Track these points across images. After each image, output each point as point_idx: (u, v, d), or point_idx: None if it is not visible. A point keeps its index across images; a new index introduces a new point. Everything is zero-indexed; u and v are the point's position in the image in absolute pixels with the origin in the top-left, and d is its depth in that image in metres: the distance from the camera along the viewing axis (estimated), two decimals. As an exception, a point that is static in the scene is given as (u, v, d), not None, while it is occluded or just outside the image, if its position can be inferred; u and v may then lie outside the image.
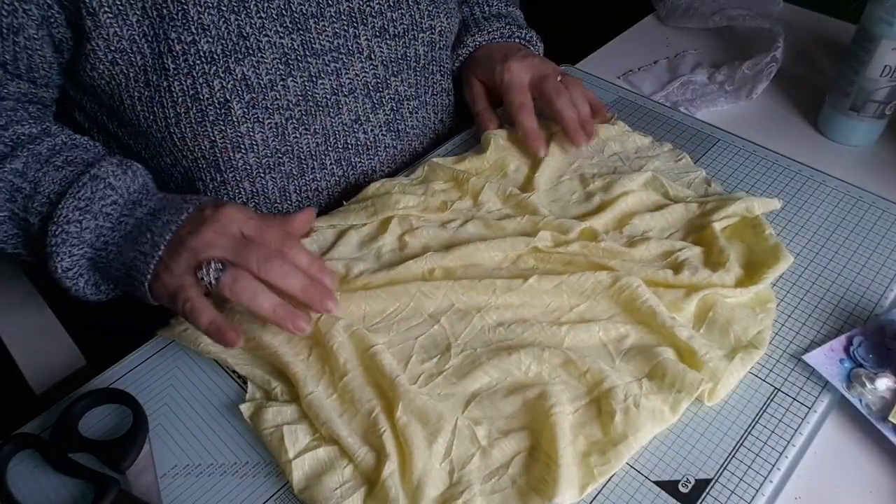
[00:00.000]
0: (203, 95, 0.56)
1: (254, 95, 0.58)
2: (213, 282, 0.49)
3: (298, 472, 0.45)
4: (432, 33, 0.67)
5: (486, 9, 0.77)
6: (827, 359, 0.51)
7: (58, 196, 0.51)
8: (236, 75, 0.57)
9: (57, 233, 0.50)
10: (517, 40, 0.76)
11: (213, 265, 0.49)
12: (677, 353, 0.50)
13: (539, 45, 0.78)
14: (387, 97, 0.67)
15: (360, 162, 0.67)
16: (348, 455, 0.45)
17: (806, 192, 0.65)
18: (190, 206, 0.52)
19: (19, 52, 0.54)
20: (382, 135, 0.68)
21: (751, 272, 0.56)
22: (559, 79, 0.69)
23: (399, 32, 0.65)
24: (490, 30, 0.75)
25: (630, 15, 0.97)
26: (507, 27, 0.75)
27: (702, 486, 0.45)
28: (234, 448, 0.48)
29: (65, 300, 0.65)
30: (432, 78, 0.70)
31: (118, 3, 0.53)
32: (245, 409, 0.49)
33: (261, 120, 0.59)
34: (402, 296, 0.55)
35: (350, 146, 0.66)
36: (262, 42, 0.57)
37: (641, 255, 0.57)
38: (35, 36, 0.53)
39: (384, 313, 0.54)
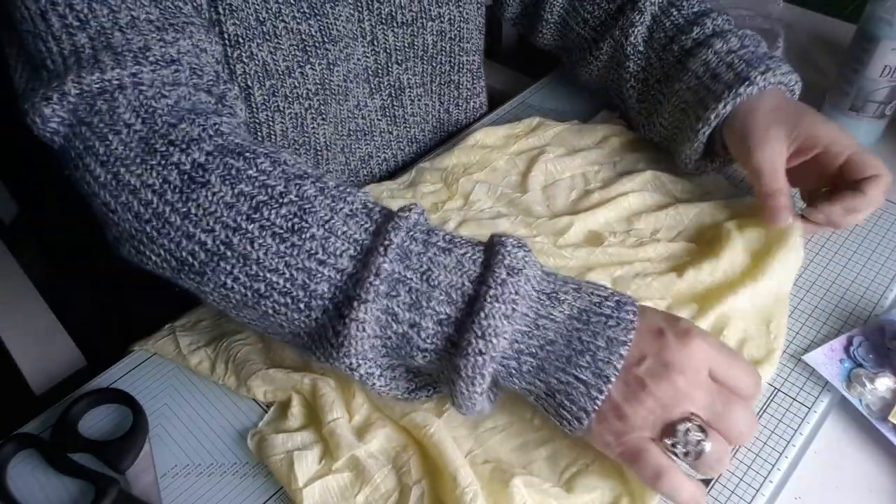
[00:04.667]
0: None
1: (273, 82, 0.56)
2: (695, 454, 0.39)
3: (309, 500, 0.44)
4: (441, 22, 0.65)
5: (758, 42, 0.61)
6: (827, 359, 0.51)
7: (466, 295, 0.40)
8: (258, 60, 0.54)
9: (482, 350, 0.38)
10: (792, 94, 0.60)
11: (692, 430, 0.39)
12: None
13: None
14: (385, 83, 0.65)
15: (358, 147, 0.67)
16: (363, 479, 0.45)
17: (806, 192, 0.65)
18: (631, 317, 0.41)
19: None
20: (378, 119, 0.67)
21: (758, 257, 0.55)
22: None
23: (407, 20, 0.63)
24: (784, 70, 0.58)
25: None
26: (793, 73, 0.59)
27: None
28: (234, 448, 0.48)
29: (65, 300, 0.66)
30: (440, 68, 0.68)
31: None
32: (251, 441, 0.48)
33: (280, 109, 0.58)
34: None
35: (351, 132, 0.66)
36: (278, 27, 0.55)
37: (649, 255, 0.57)
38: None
39: None
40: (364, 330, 0.39)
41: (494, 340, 0.38)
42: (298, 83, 0.57)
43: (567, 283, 0.42)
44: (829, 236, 0.61)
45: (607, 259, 0.57)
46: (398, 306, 0.39)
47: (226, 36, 0.52)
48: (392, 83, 0.66)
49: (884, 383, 0.49)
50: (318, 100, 0.59)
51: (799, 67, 0.79)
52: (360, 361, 0.41)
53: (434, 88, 0.70)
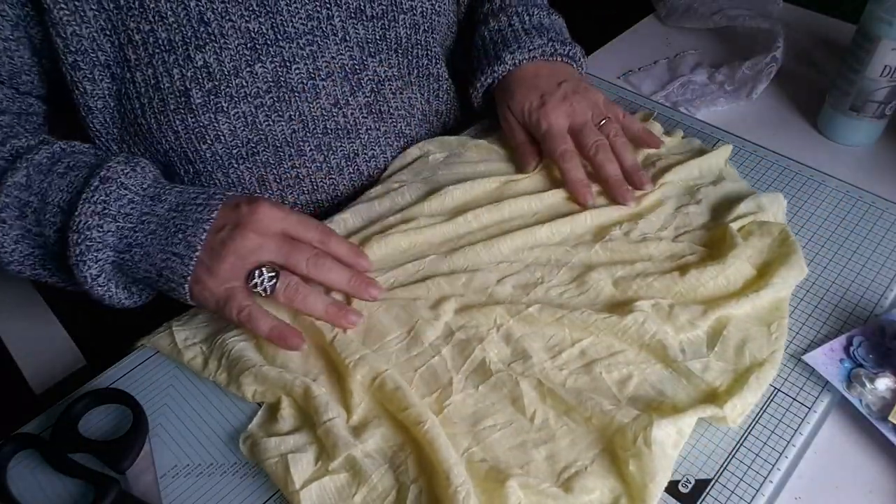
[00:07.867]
0: (163, 85, 0.55)
1: (215, 84, 0.56)
2: (269, 289, 0.50)
3: (307, 502, 0.43)
4: (414, 15, 0.65)
5: (527, 19, 0.71)
6: (827, 359, 0.51)
7: (68, 204, 0.50)
8: (196, 63, 0.55)
9: (79, 241, 0.49)
10: (559, 58, 0.70)
11: (265, 272, 0.50)
12: (689, 385, 0.49)
13: (583, 60, 0.72)
14: (365, 79, 0.65)
15: (340, 146, 0.66)
16: (360, 479, 0.44)
17: (806, 192, 0.65)
18: (216, 202, 0.51)
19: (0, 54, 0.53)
20: (363, 117, 0.66)
21: (763, 271, 0.55)
22: (601, 121, 0.66)
23: (377, 14, 0.63)
24: (531, 47, 0.68)
25: (630, 15, 0.97)
26: (550, 44, 0.69)
27: (702, 486, 0.45)
28: (234, 448, 0.48)
29: (64, 300, 0.66)
30: (417, 61, 0.68)
31: None
32: (243, 445, 0.47)
33: (224, 109, 0.57)
34: (405, 323, 0.53)
35: (330, 131, 0.64)
36: (224, 27, 0.55)
37: (651, 253, 0.57)
38: (11, 37, 0.52)
39: (384, 338, 0.52)
40: (4, 246, 0.51)
41: (87, 233, 0.49)
42: (246, 82, 0.58)
43: (175, 187, 0.53)
44: (829, 236, 0.61)
45: (608, 257, 0.57)
46: (31, 224, 0.51)
47: (159, 42, 0.54)
48: (371, 78, 0.65)
49: (884, 383, 0.49)
50: (270, 98, 0.59)
51: (799, 67, 0.79)
52: (21, 268, 0.53)
53: (413, 80, 0.69)
